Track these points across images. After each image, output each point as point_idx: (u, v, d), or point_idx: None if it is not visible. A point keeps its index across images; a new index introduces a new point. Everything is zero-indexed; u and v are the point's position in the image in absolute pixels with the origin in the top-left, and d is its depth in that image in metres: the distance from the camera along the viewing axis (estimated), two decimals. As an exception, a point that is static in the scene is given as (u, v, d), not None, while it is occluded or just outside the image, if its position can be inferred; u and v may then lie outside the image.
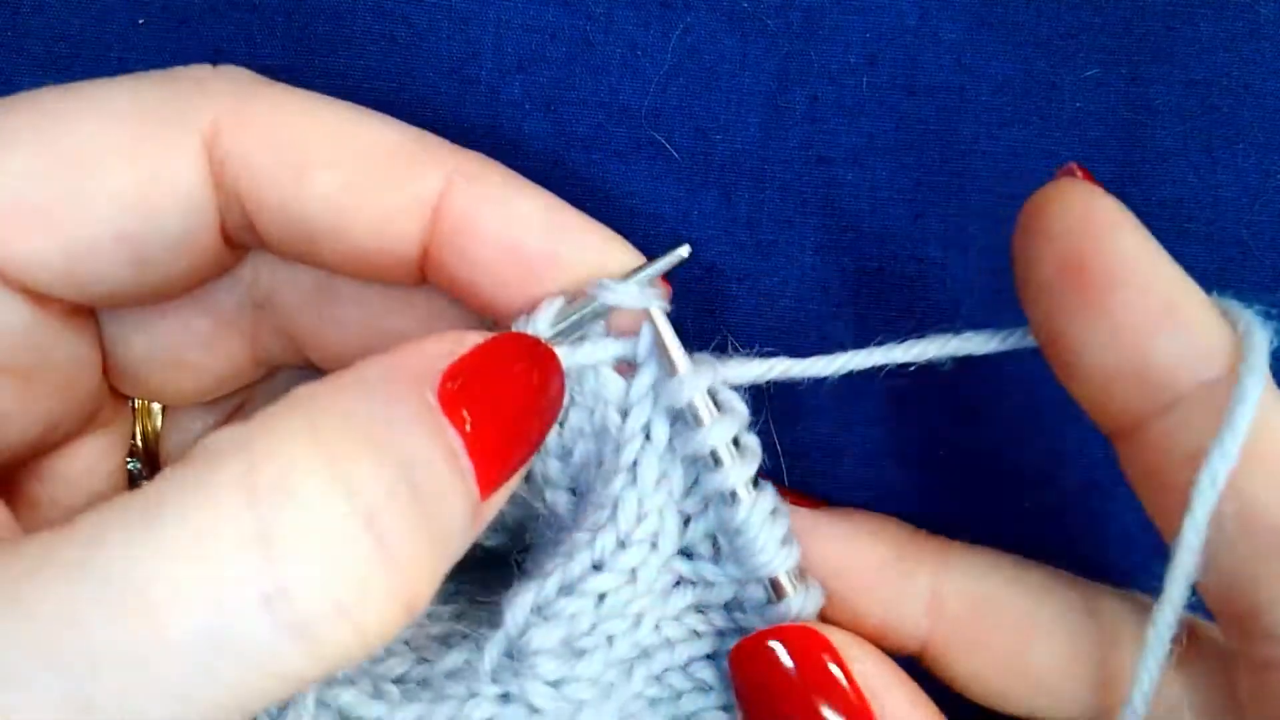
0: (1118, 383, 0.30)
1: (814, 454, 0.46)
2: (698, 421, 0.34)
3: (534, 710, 0.34)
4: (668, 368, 0.34)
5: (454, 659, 0.35)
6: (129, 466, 0.41)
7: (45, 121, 0.32)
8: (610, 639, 0.35)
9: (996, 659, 0.35)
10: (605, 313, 0.34)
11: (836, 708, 0.32)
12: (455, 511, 0.27)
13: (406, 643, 0.36)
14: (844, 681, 0.32)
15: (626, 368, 0.35)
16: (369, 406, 0.27)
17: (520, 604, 0.34)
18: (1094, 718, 0.34)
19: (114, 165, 0.32)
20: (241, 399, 0.42)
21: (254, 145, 0.33)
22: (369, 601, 0.24)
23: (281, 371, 0.42)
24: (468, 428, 0.28)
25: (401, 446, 0.26)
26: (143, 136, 0.32)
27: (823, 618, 0.36)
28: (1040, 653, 0.35)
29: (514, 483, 0.31)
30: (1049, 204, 0.31)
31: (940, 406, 0.46)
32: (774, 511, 0.34)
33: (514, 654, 0.34)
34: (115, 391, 0.39)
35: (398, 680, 0.35)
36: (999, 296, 0.45)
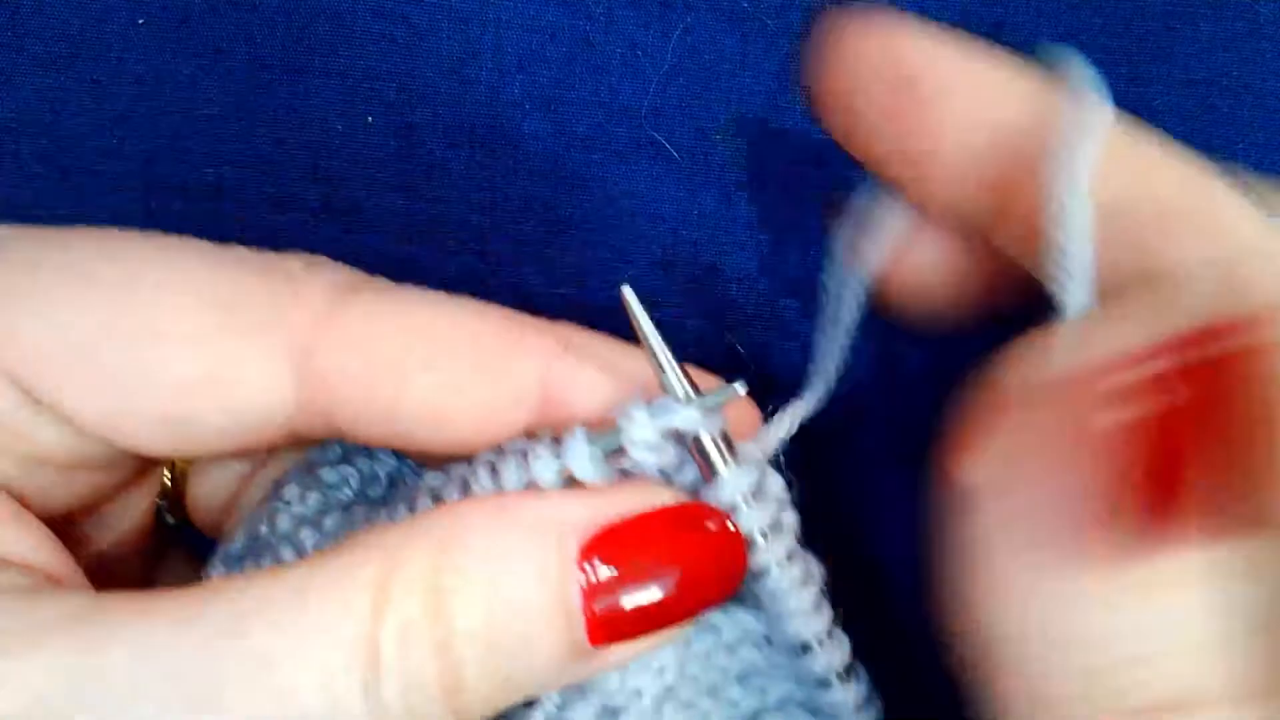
0: (977, 170, 0.31)
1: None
2: (732, 510, 0.33)
3: None
4: (704, 472, 0.33)
5: None
6: (159, 504, 0.41)
7: (132, 280, 0.31)
8: (639, 692, 0.35)
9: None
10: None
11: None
12: (541, 655, 0.30)
13: None
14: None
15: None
16: (502, 540, 0.30)
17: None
18: None
19: (188, 353, 0.31)
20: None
21: (350, 359, 0.32)
22: (427, 708, 0.28)
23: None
24: (594, 580, 0.30)
25: (505, 592, 0.29)
26: (225, 328, 0.32)
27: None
28: None
29: (659, 640, 0.31)
30: (846, 38, 0.32)
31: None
32: (805, 580, 0.34)
33: None
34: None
35: None
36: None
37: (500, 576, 0.29)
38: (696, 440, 0.33)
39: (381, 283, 0.35)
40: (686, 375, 0.33)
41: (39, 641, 0.27)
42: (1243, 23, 0.44)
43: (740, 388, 0.33)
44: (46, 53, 0.46)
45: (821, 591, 0.35)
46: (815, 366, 0.37)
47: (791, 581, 0.34)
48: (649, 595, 0.30)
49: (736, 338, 0.46)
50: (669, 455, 0.33)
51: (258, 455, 0.36)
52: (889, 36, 0.31)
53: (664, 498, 0.32)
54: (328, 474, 0.38)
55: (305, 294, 0.33)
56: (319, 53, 0.45)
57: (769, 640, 0.37)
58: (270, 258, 0.34)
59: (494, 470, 0.33)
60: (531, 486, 0.32)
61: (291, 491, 0.38)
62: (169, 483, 0.41)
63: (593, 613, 0.30)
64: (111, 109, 0.45)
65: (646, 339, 0.33)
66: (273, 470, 0.41)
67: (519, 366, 0.34)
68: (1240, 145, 0.45)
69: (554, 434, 0.33)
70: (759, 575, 0.34)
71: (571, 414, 0.34)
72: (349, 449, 0.40)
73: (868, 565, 0.45)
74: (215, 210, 0.46)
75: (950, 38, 0.31)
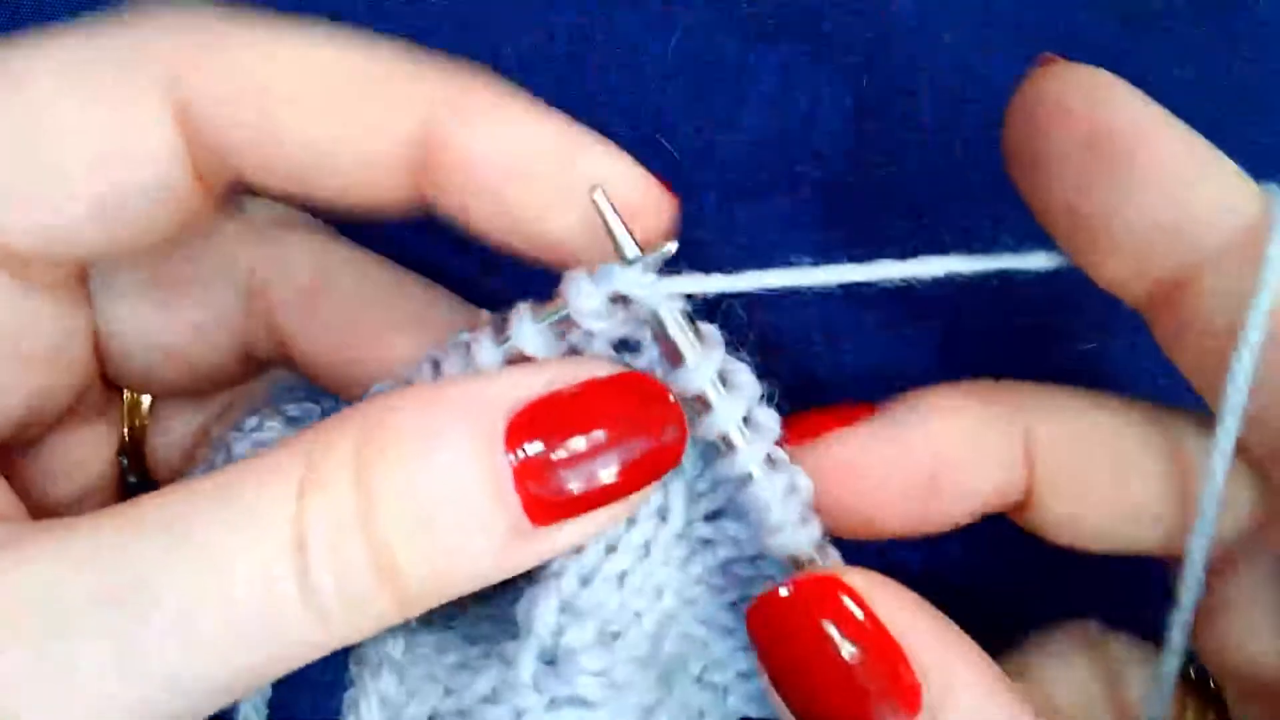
0: (1153, 245, 0.30)
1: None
2: (706, 407, 0.32)
3: (587, 705, 0.34)
4: (671, 356, 0.33)
5: (485, 682, 0.34)
6: (122, 461, 0.41)
7: (5, 84, 0.31)
8: (639, 614, 0.35)
9: (1096, 497, 0.35)
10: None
11: (859, 645, 0.30)
12: (479, 537, 0.29)
13: (426, 678, 0.35)
14: (866, 621, 0.30)
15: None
16: (426, 421, 0.29)
17: (545, 607, 0.33)
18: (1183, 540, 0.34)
19: (71, 117, 0.31)
20: (229, 400, 0.42)
21: (221, 89, 0.31)
22: (366, 596, 0.28)
23: (270, 372, 0.42)
24: (524, 456, 0.29)
25: (434, 464, 0.29)
26: (99, 84, 0.31)
27: (931, 518, 0.35)
28: (1139, 485, 0.34)
29: (605, 519, 0.31)
30: (1051, 84, 0.31)
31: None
32: (791, 489, 0.33)
33: (551, 658, 0.34)
34: (107, 384, 0.39)
35: (431, 719, 0.35)
36: (998, 296, 0.45)
37: (426, 456, 0.29)
38: (657, 320, 0.32)
39: (259, 16, 0.33)
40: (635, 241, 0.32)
41: None
42: (1243, 23, 0.44)
43: (670, 246, 0.33)
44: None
45: (808, 504, 0.33)
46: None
47: (774, 489, 0.33)
48: (587, 470, 0.29)
49: (737, 338, 0.46)
50: (623, 330, 0.32)
51: (186, 222, 0.34)
52: (1095, 91, 0.31)
53: (596, 369, 0.31)
54: (291, 408, 0.39)
55: (174, 31, 0.32)
56: (319, 53, 0.45)
57: (761, 557, 0.36)
58: (137, 9, 0.33)
59: (436, 365, 0.33)
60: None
61: (251, 420, 0.38)
62: (129, 439, 0.41)
63: (528, 491, 0.29)
64: (111, 109, 0.45)
65: (598, 208, 0.32)
66: (233, 420, 0.41)
67: (402, 109, 0.32)
68: (1240, 145, 0.45)
69: (500, 321, 0.33)
70: (741, 481, 0.33)
71: (461, 169, 0.32)
72: (315, 391, 0.40)
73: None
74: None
75: (1152, 102, 0.31)
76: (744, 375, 0.33)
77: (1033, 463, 0.35)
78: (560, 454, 0.29)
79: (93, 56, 0.31)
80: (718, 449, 0.33)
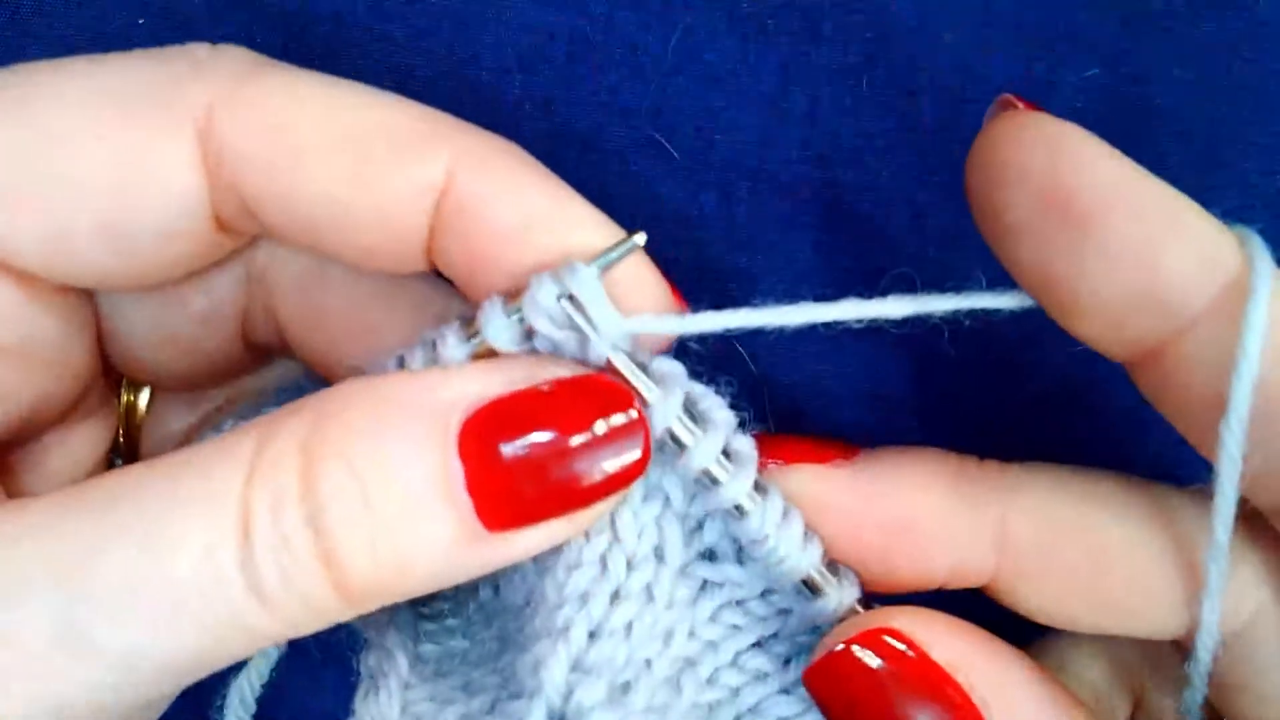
0: (1128, 312, 0.28)
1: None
2: (680, 445, 0.32)
3: None
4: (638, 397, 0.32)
5: None
6: (114, 459, 0.41)
7: (31, 97, 0.30)
8: (649, 662, 0.34)
9: (1070, 583, 0.34)
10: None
11: (926, 695, 0.30)
12: (427, 535, 0.29)
13: None
14: (917, 660, 0.31)
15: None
16: (378, 414, 0.29)
17: (554, 666, 0.32)
18: (1178, 627, 0.33)
19: (96, 149, 0.30)
20: (224, 398, 0.42)
21: (249, 133, 0.31)
22: (309, 585, 0.28)
23: (267, 368, 0.42)
24: (478, 455, 0.28)
25: (380, 462, 0.28)
26: (130, 120, 0.31)
27: (887, 575, 0.34)
28: (1117, 571, 0.33)
29: (563, 529, 0.30)
30: (1008, 141, 0.29)
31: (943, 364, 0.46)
32: (785, 513, 0.33)
33: (561, 717, 0.33)
34: (106, 374, 0.39)
35: None
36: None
37: (375, 451, 0.28)
38: (610, 366, 0.31)
39: (290, 66, 0.33)
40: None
41: None
42: (1243, 23, 0.44)
43: (639, 238, 0.32)
44: (46, 53, 0.45)
45: (802, 525, 0.33)
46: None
47: (768, 518, 0.32)
48: (544, 476, 0.29)
49: (734, 338, 0.46)
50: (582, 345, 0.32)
51: (197, 258, 0.35)
52: (1056, 148, 0.28)
53: (559, 370, 0.31)
54: (273, 409, 0.38)
55: (208, 73, 0.32)
56: (319, 53, 0.45)
57: (771, 590, 0.35)
58: (172, 48, 0.33)
59: (401, 362, 0.32)
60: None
61: (231, 420, 0.38)
62: (124, 438, 0.41)
63: (482, 493, 0.28)
64: (111, 109, 0.45)
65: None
66: (223, 419, 0.41)
67: (421, 161, 0.32)
68: (1240, 145, 0.45)
69: (464, 317, 0.32)
70: (732, 514, 0.32)
71: (473, 224, 0.32)
72: (303, 391, 0.40)
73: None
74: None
75: (1119, 157, 0.29)
76: (716, 408, 0.33)
77: (1003, 549, 0.34)
78: (516, 457, 0.29)
79: (126, 89, 0.31)
80: (703, 485, 0.33)
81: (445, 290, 0.39)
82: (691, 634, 0.35)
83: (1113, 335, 0.30)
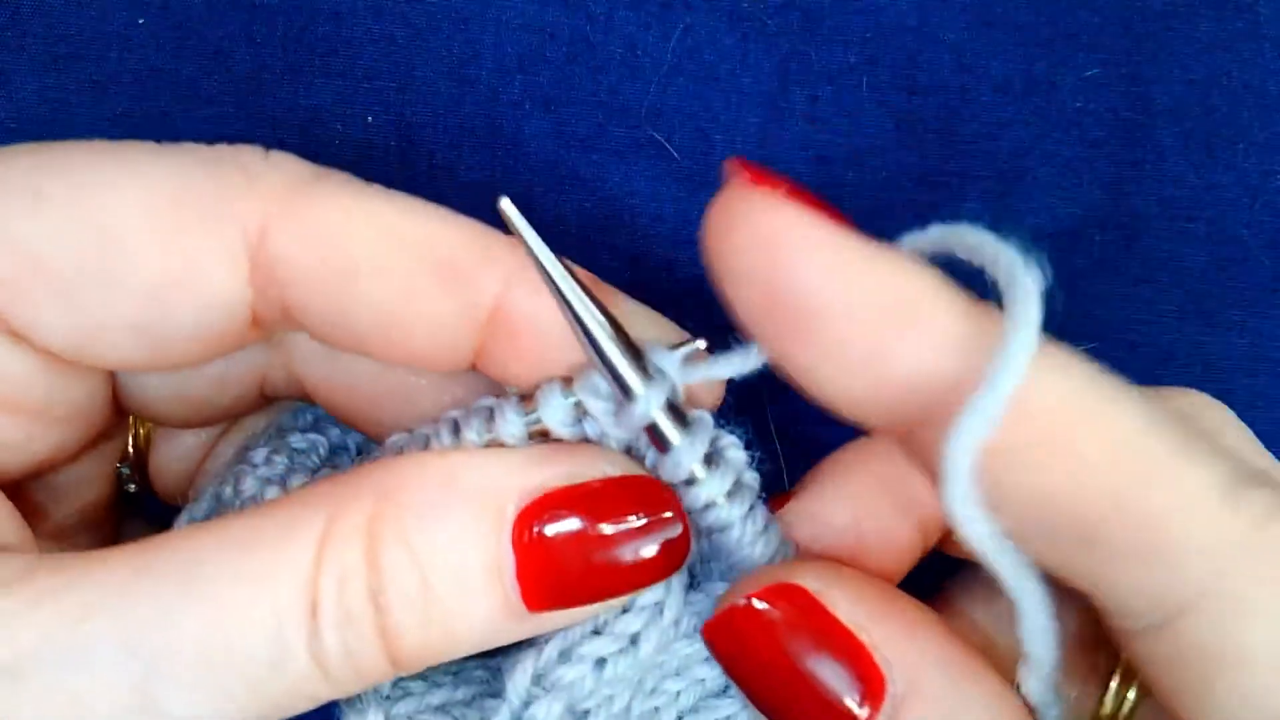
0: (866, 405, 0.27)
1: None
2: (692, 482, 0.33)
3: None
4: (661, 449, 0.33)
5: None
6: (120, 469, 0.41)
7: (89, 185, 0.31)
8: (611, 698, 0.35)
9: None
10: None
11: (826, 652, 0.31)
12: (474, 615, 0.30)
13: (409, 718, 0.36)
14: (822, 621, 0.31)
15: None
16: (441, 500, 0.30)
17: (520, 673, 0.34)
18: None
19: (146, 252, 0.31)
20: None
21: (302, 248, 0.31)
22: (369, 656, 0.29)
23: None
24: (528, 543, 0.30)
25: (438, 545, 0.30)
26: (181, 226, 0.31)
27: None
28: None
29: (597, 610, 0.32)
30: (728, 232, 0.28)
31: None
32: (764, 530, 0.34)
33: None
34: (119, 412, 0.39)
35: None
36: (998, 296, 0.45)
37: (436, 532, 0.30)
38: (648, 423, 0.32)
39: (347, 177, 0.33)
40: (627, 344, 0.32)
41: None
42: (1243, 23, 0.44)
43: (700, 343, 0.33)
44: (46, 53, 0.46)
45: (780, 540, 0.34)
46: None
47: (745, 529, 0.33)
48: (588, 566, 0.30)
49: (735, 338, 0.46)
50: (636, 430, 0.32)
51: (226, 350, 0.35)
52: (772, 242, 0.27)
53: (609, 467, 0.32)
54: (296, 440, 0.39)
55: (261, 185, 0.32)
56: (319, 53, 0.45)
57: None
58: (224, 150, 0.33)
59: (456, 428, 0.33)
60: (494, 444, 0.32)
61: (259, 454, 0.38)
62: (132, 451, 0.41)
63: (528, 578, 0.30)
64: (111, 109, 0.45)
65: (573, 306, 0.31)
66: (236, 438, 0.41)
67: (475, 280, 0.32)
68: (1240, 145, 0.45)
69: (520, 393, 0.33)
70: (735, 562, 0.33)
71: (526, 339, 0.33)
72: (321, 417, 0.40)
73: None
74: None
75: (841, 245, 0.26)
76: (734, 451, 0.34)
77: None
78: (565, 548, 0.30)
79: (181, 193, 0.31)
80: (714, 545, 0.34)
81: None
82: (659, 681, 0.35)
83: (857, 418, 0.28)
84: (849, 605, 0.31)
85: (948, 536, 0.36)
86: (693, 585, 0.36)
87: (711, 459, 0.33)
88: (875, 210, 0.45)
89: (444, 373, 0.36)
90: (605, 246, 0.45)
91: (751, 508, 0.34)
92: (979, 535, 0.26)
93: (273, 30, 0.45)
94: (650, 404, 0.31)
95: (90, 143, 0.32)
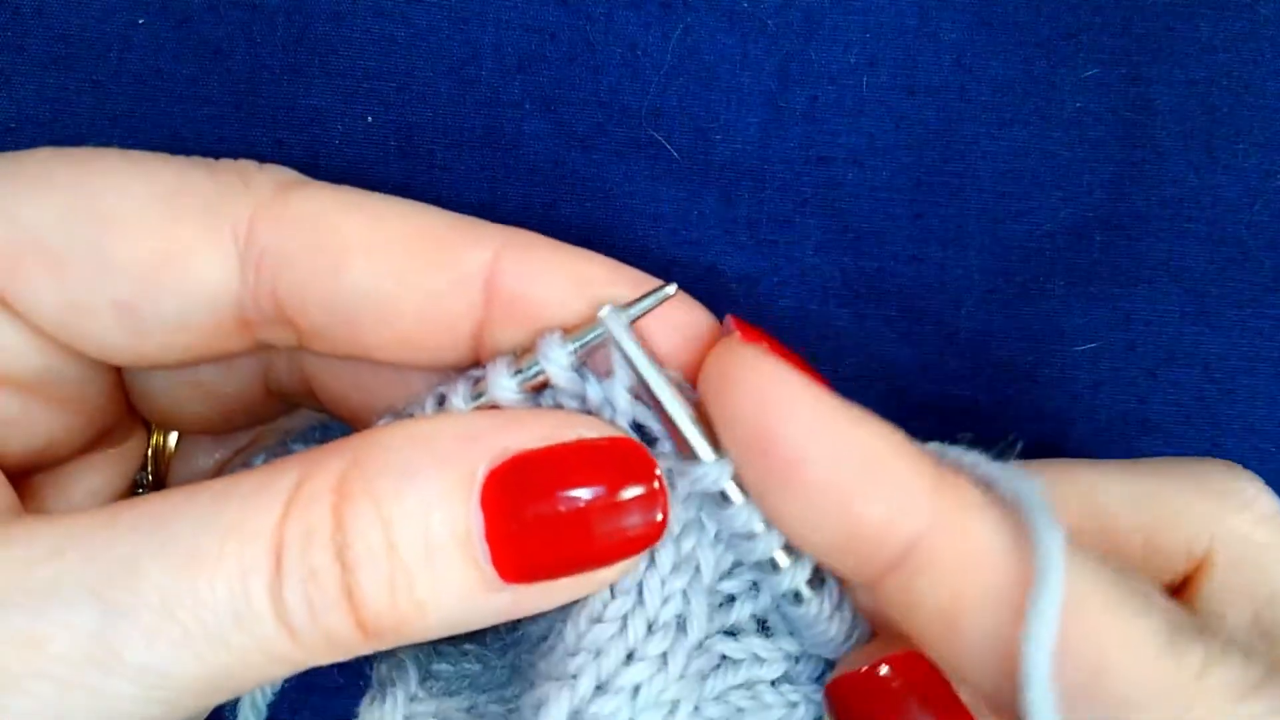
0: (831, 550, 0.30)
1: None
2: (728, 501, 0.32)
3: None
4: (688, 454, 0.32)
5: None
6: (138, 482, 0.41)
7: (93, 174, 0.32)
8: None
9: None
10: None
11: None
12: (445, 580, 0.30)
13: None
14: (950, 698, 0.31)
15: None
16: (410, 461, 0.30)
17: (555, 709, 0.33)
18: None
19: (137, 236, 0.32)
20: (252, 436, 0.43)
21: (292, 236, 0.32)
22: (334, 617, 0.29)
23: (296, 411, 0.43)
24: (499, 506, 0.29)
25: (405, 505, 0.29)
26: (174, 216, 0.32)
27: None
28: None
29: (578, 586, 0.31)
30: (723, 381, 0.30)
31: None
32: (839, 605, 0.34)
33: None
34: (133, 413, 0.39)
35: None
36: (998, 295, 0.45)
37: (403, 492, 0.29)
38: (669, 418, 0.32)
39: (332, 184, 0.34)
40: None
41: None
42: (1243, 23, 0.44)
43: (670, 289, 0.33)
44: (46, 53, 0.46)
45: (855, 615, 0.34)
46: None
47: (828, 606, 0.33)
48: (562, 533, 0.30)
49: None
50: (593, 399, 0.32)
51: (219, 357, 0.36)
52: (760, 392, 0.29)
53: (586, 430, 0.31)
54: (298, 447, 0.39)
55: (253, 185, 0.33)
56: (319, 53, 0.45)
57: (791, 676, 0.36)
58: (224, 161, 0.34)
59: (442, 399, 0.33)
60: (485, 409, 0.32)
61: (259, 458, 0.38)
62: (149, 471, 0.41)
63: (500, 545, 0.29)
64: (111, 109, 0.45)
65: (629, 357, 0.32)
66: (250, 455, 0.41)
67: (463, 255, 0.33)
68: (1240, 145, 0.45)
69: (515, 352, 0.33)
70: (790, 600, 0.33)
71: (522, 306, 0.33)
72: (329, 431, 0.40)
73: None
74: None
75: (823, 402, 0.29)
76: None
77: None
78: (535, 511, 0.29)
79: (177, 188, 0.32)
80: (764, 569, 0.33)
81: None
82: (696, 709, 0.35)
83: (832, 564, 0.31)
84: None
85: None
86: (764, 631, 0.36)
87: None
88: (875, 210, 0.45)
89: (440, 368, 0.36)
90: (605, 246, 0.45)
91: (825, 583, 0.33)
92: None
93: (272, 30, 0.45)
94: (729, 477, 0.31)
95: (105, 149, 0.33)
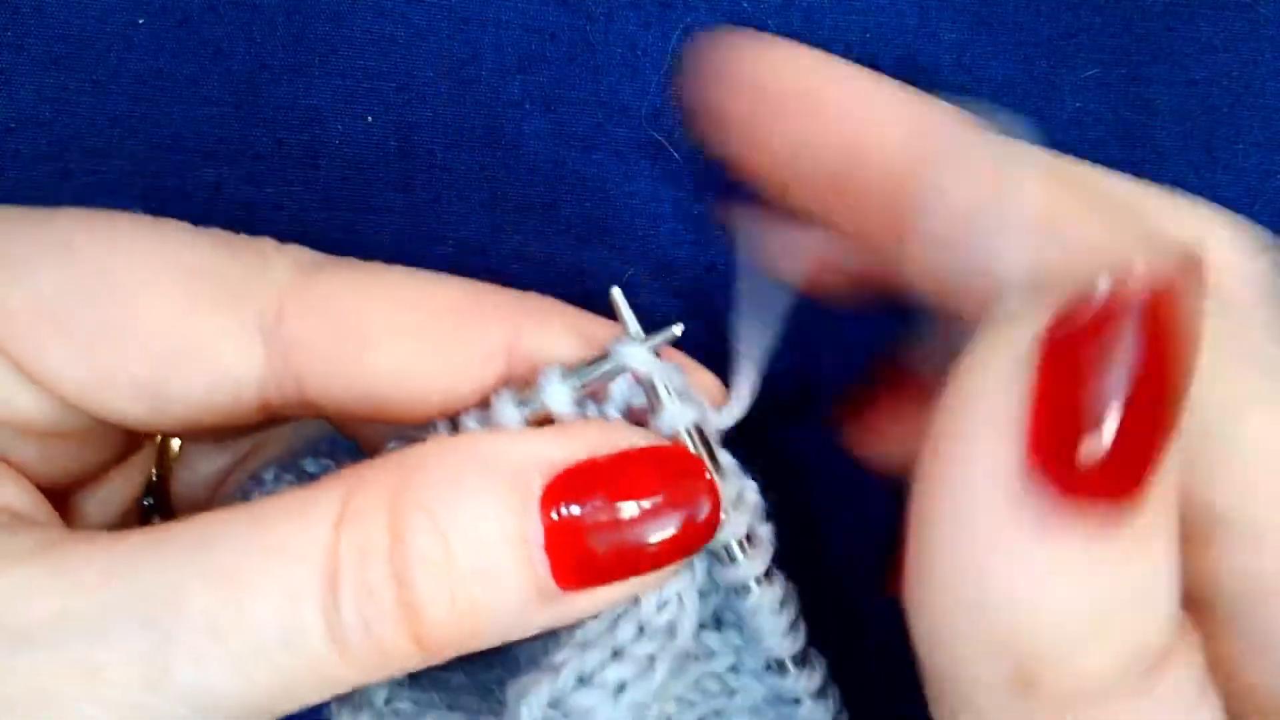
0: (835, 174, 0.31)
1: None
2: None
3: None
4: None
5: None
6: (145, 503, 0.41)
7: (111, 251, 0.32)
8: None
9: None
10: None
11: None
12: (503, 591, 0.30)
13: None
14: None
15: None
16: (464, 475, 0.30)
17: (536, 696, 0.33)
18: None
19: (160, 319, 0.32)
20: (256, 441, 0.43)
21: (318, 325, 0.33)
22: (389, 635, 0.29)
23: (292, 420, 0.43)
24: (556, 516, 0.30)
25: (463, 518, 0.29)
26: (199, 300, 0.32)
27: None
28: None
29: (630, 589, 0.32)
30: (715, 52, 0.32)
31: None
32: (783, 602, 0.34)
33: None
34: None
35: None
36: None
37: (460, 506, 0.30)
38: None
39: (350, 260, 0.35)
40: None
41: (10, 565, 0.28)
42: (1243, 23, 0.44)
43: (677, 329, 0.34)
44: (46, 53, 0.46)
45: (797, 613, 0.35)
46: (739, 369, 0.37)
47: (771, 600, 0.34)
48: (619, 540, 0.30)
49: (734, 338, 0.46)
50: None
51: (236, 431, 0.36)
52: (759, 52, 0.31)
53: (635, 438, 0.32)
54: (309, 464, 0.39)
55: (275, 268, 0.33)
56: (319, 53, 0.45)
57: (737, 667, 0.37)
58: (243, 237, 0.34)
59: (454, 425, 0.33)
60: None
61: (269, 473, 0.38)
62: (155, 476, 0.41)
63: (558, 554, 0.30)
64: (111, 109, 0.45)
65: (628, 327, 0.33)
66: (256, 464, 0.41)
67: (486, 329, 0.34)
68: (1240, 145, 0.45)
69: (522, 383, 0.33)
70: (737, 591, 0.34)
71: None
72: (337, 445, 0.40)
73: (826, 559, 0.45)
74: (214, 210, 0.46)
75: (823, 57, 0.30)
76: (751, 494, 0.34)
77: None
78: (593, 521, 0.30)
79: (203, 266, 0.33)
80: (717, 558, 0.34)
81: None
82: (661, 708, 0.36)
83: (836, 209, 0.32)
84: None
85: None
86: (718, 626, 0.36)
87: (736, 502, 0.33)
88: (875, 210, 0.45)
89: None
90: (605, 246, 0.45)
91: (770, 575, 0.34)
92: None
93: (272, 30, 0.45)
94: (683, 421, 0.33)
95: (127, 213, 0.33)
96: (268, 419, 0.36)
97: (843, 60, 0.30)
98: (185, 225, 0.34)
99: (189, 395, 0.33)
